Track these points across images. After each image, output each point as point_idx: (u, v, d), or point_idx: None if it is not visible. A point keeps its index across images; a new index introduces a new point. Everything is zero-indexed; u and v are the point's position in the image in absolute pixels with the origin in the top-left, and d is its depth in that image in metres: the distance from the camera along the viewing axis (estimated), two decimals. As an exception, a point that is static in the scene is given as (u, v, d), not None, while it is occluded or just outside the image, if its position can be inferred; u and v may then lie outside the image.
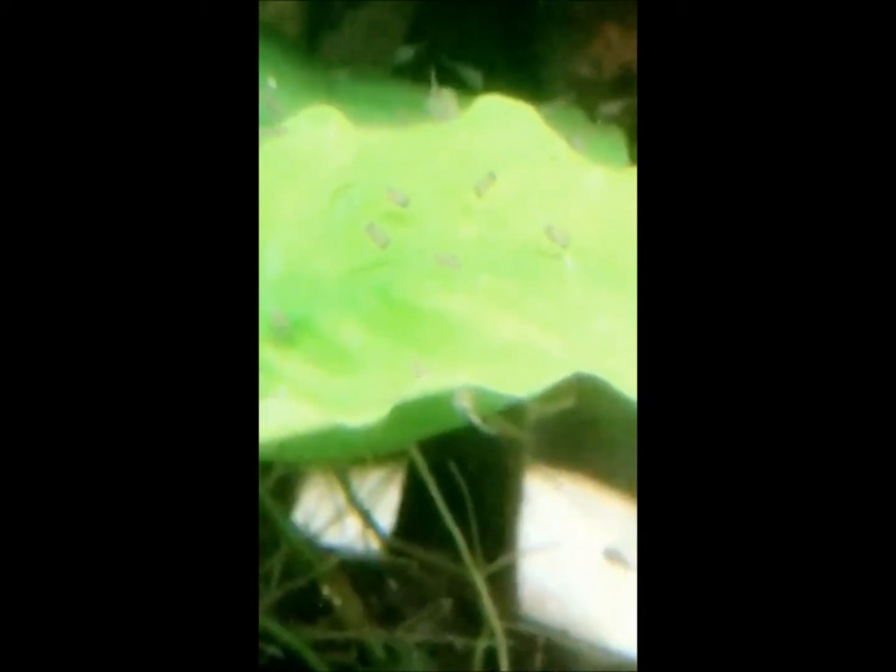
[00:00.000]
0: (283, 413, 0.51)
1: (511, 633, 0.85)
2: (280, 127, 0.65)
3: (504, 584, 0.94)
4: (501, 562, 0.89)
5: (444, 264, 0.59)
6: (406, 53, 0.78)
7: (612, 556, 0.68)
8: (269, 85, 0.67)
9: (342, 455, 0.78)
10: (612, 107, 0.75)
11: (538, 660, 0.87)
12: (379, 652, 0.83)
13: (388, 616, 0.87)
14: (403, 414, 0.51)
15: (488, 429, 0.52)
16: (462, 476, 0.88)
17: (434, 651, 0.85)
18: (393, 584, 0.90)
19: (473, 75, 0.72)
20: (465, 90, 0.69)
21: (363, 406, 0.51)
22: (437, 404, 0.51)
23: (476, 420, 0.51)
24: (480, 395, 0.51)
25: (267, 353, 0.58)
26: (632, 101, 0.76)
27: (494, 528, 0.94)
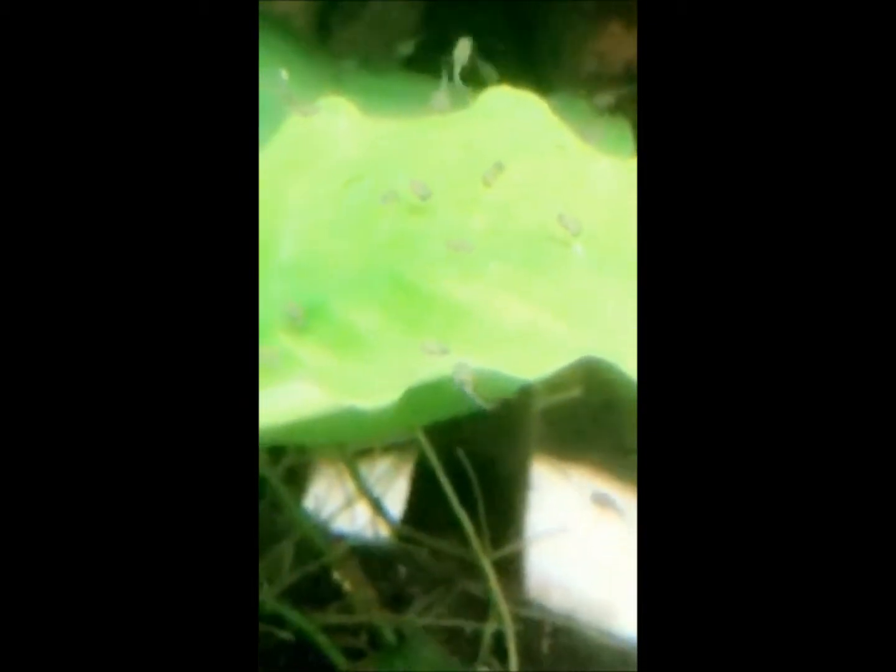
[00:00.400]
0: (297, 396, 0.52)
1: (518, 618, 0.86)
2: (310, 107, 0.65)
3: (511, 570, 0.94)
4: (509, 548, 0.90)
5: (457, 249, 0.59)
6: (407, 47, 0.79)
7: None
8: (282, 76, 0.67)
9: (355, 439, 0.79)
10: (607, 97, 0.76)
11: (545, 644, 0.88)
12: (389, 636, 0.84)
13: (398, 601, 0.88)
14: (416, 397, 0.52)
15: (485, 405, 0.53)
16: (470, 464, 0.89)
17: (443, 635, 0.86)
18: (402, 569, 0.90)
19: (488, 69, 0.73)
20: (478, 83, 0.69)
21: (376, 389, 0.52)
22: (449, 387, 0.52)
23: (473, 395, 0.52)
24: (489, 378, 0.52)
25: (282, 338, 0.58)
26: (627, 91, 0.77)
27: (502, 516, 0.95)
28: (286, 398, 0.52)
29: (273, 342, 0.57)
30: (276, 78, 0.67)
